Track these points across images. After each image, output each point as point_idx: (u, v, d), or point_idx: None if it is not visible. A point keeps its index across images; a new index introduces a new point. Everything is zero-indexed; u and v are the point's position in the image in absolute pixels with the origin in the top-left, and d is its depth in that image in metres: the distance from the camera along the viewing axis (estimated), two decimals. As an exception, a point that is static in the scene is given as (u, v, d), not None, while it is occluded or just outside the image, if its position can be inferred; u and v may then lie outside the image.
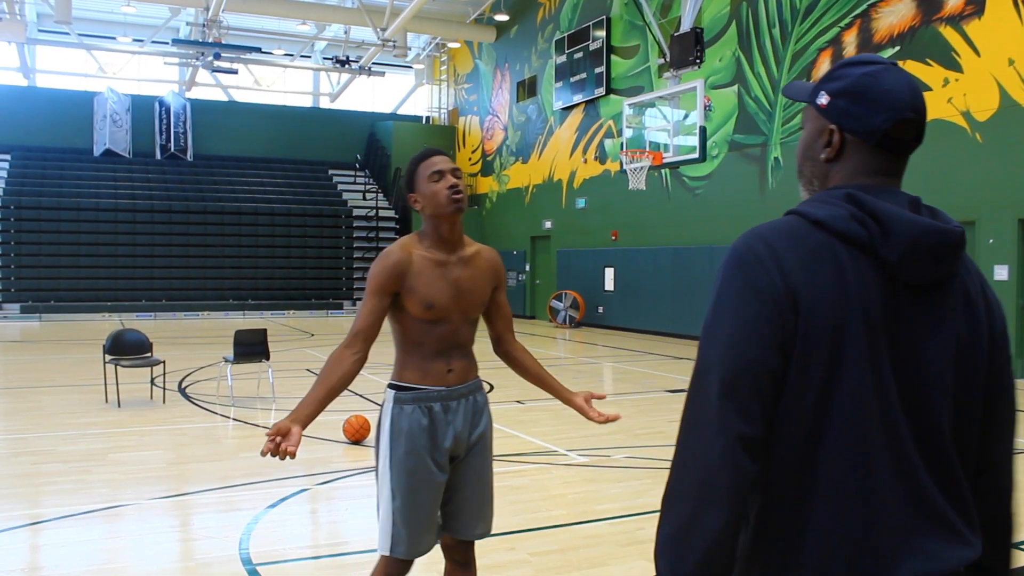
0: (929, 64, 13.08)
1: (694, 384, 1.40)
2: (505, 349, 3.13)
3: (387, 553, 2.87)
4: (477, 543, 3.11)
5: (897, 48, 13.57)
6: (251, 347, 9.55)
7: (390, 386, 2.92)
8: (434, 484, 2.86)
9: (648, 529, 4.98)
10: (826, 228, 1.39)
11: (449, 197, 2.83)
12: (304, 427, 2.53)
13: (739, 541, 1.40)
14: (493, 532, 3.11)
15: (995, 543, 1.52)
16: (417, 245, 2.90)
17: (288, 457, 2.41)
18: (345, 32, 26.69)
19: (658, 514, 1.41)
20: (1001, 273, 12.11)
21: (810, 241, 1.38)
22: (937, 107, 12.98)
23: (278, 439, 2.42)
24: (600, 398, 2.98)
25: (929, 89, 13.07)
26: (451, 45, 29.46)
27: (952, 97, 12.76)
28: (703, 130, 14.17)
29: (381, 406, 2.94)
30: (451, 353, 2.88)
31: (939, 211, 1.46)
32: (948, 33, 12.81)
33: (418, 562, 2.99)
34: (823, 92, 1.48)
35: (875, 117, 1.42)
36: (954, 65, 12.73)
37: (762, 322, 1.35)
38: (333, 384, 2.71)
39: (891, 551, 1.36)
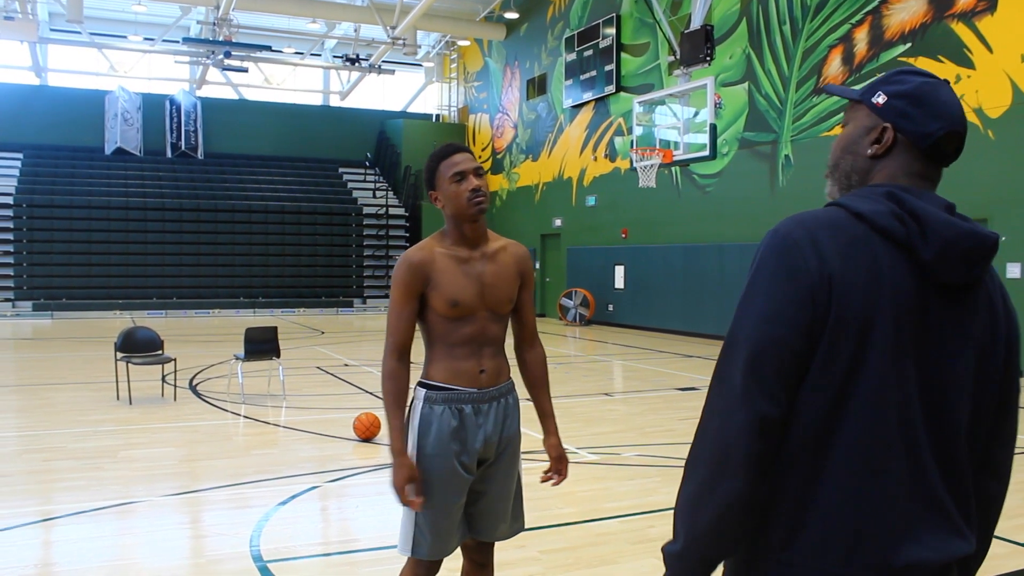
0: (941, 61, 13.01)
1: (722, 357, 1.48)
2: (518, 352, 3.08)
3: (408, 554, 2.83)
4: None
5: (909, 45, 13.51)
6: (262, 345, 9.57)
7: (420, 384, 2.87)
8: (460, 487, 2.82)
9: (658, 527, 4.98)
10: (867, 222, 1.45)
11: (471, 201, 2.77)
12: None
13: (752, 512, 1.46)
14: (511, 536, 3.08)
15: (979, 536, 1.59)
16: (439, 244, 2.85)
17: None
18: (355, 30, 26.71)
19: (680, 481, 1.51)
20: (1014, 271, 12.04)
21: (850, 232, 1.44)
22: (949, 104, 12.91)
23: (410, 493, 2.72)
24: (550, 478, 3.02)
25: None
26: (461, 43, 29.46)
27: (964, 94, 12.68)
28: (713, 128, 14.12)
29: (410, 403, 2.89)
30: (482, 353, 2.83)
31: (969, 219, 1.51)
32: (960, 30, 12.75)
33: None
34: (880, 92, 1.55)
35: (932, 123, 1.50)
36: (966, 62, 12.66)
37: (793, 304, 1.41)
38: (404, 401, 2.81)
39: (892, 536, 1.42)
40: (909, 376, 1.43)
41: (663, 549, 1.52)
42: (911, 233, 1.43)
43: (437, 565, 2.89)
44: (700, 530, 1.46)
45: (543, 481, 3.01)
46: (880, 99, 1.54)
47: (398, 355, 2.81)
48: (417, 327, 2.91)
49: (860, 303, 1.40)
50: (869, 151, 1.55)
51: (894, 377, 1.41)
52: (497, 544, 3.08)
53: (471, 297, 2.79)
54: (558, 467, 3.00)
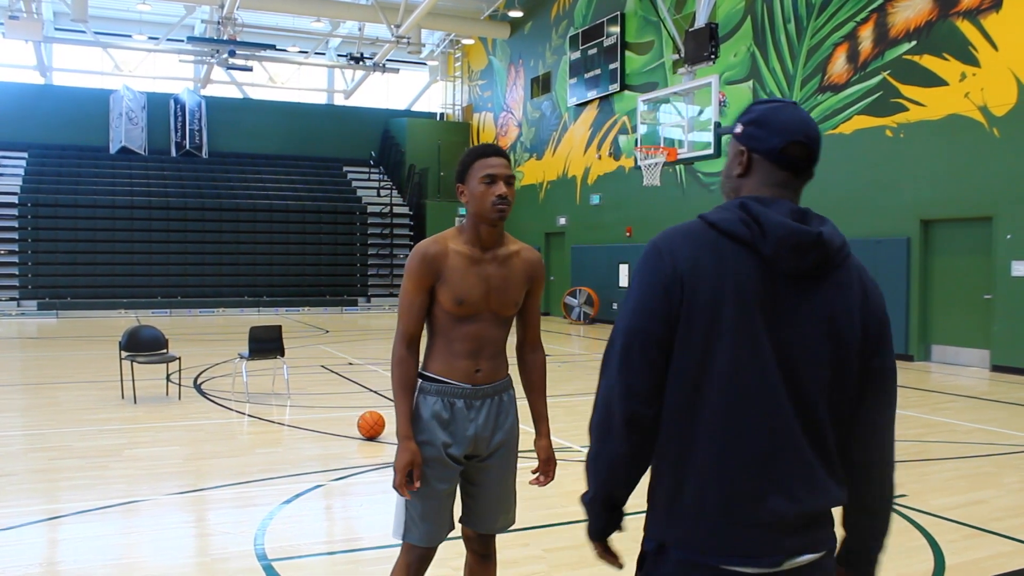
0: (946, 59, 12.98)
1: (608, 344, 1.82)
2: (519, 354, 3.13)
3: (400, 539, 2.90)
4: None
5: (914, 43, 13.48)
6: (266, 344, 9.57)
7: (419, 375, 2.92)
8: (447, 476, 2.88)
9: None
10: (717, 228, 1.76)
11: (494, 206, 2.79)
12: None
13: (637, 465, 1.82)
14: (508, 528, 3.12)
15: (863, 518, 1.88)
16: (454, 239, 2.88)
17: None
18: (359, 29, 26.72)
19: None
20: (1019, 269, 12.01)
21: (702, 238, 1.77)
22: (954, 102, 12.88)
23: (414, 473, 2.79)
24: (538, 479, 3.08)
25: (946, 84, 12.98)
26: (465, 41, 29.45)
27: (969, 92, 12.66)
28: (718, 126, 14.11)
29: None
30: (481, 353, 2.87)
31: (826, 220, 1.81)
32: (965, 27, 12.72)
33: (442, 553, 3.00)
34: (739, 123, 1.88)
35: (774, 139, 1.80)
36: (971, 59, 12.63)
37: (655, 300, 1.74)
38: (412, 388, 2.86)
39: (758, 490, 1.70)
40: (764, 351, 1.70)
41: (580, 499, 1.91)
42: (754, 234, 1.72)
43: (430, 553, 2.94)
44: (599, 481, 1.84)
45: (532, 483, 3.06)
46: (738, 129, 1.86)
47: (407, 343, 2.85)
48: None
49: (707, 293, 1.71)
50: (736, 171, 1.86)
51: (748, 352, 1.70)
52: (501, 542, 3.11)
53: (477, 297, 2.83)
54: (546, 468, 3.07)
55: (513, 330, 3.08)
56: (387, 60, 26.25)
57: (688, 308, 1.71)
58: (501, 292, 2.88)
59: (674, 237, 1.79)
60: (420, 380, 2.89)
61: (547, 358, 3.16)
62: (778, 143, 1.80)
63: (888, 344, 1.84)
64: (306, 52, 28.75)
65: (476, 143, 29.18)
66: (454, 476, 2.90)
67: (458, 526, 3.06)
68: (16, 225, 24.39)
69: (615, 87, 21.11)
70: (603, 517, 1.90)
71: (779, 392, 1.70)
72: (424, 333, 2.94)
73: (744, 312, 1.70)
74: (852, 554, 1.92)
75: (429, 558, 2.94)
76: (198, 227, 25.88)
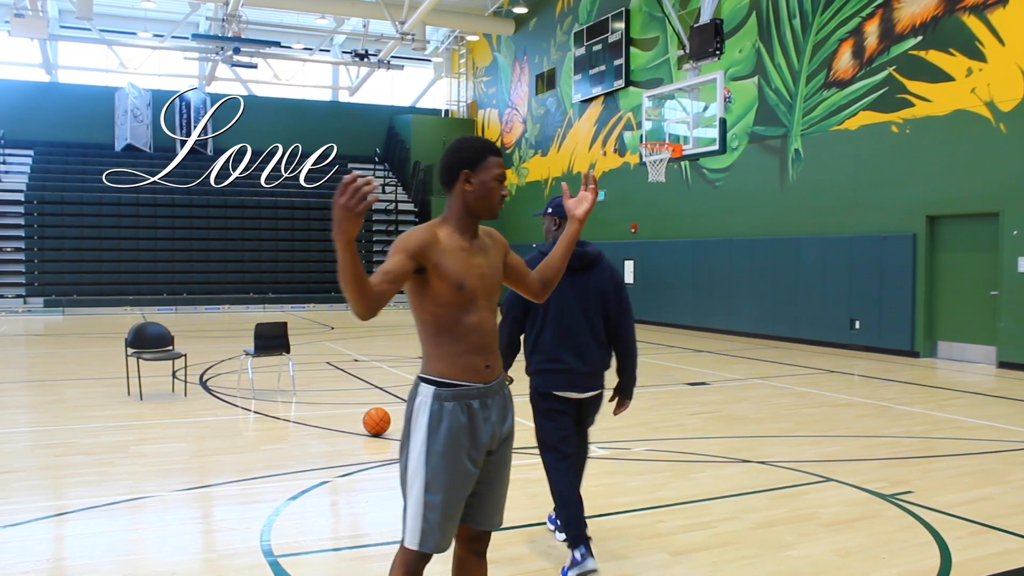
0: (952, 54, 12.94)
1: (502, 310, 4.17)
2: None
3: (416, 547, 2.81)
4: (496, 536, 3.10)
5: (920, 38, 13.43)
6: (271, 340, 9.59)
7: (427, 380, 2.83)
8: (469, 482, 2.84)
9: (668, 522, 4.97)
10: (544, 254, 3.94)
11: (499, 204, 2.93)
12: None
13: (515, 344, 4.41)
14: (514, 524, 3.11)
15: (624, 373, 4.41)
16: (440, 228, 2.88)
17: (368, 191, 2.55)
18: (364, 26, 26.71)
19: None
20: (1025, 265, 11.98)
21: (538, 258, 4.01)
22: (960, 97, 12.84)
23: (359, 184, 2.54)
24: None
25: (952, 79, 12.94)
26: (470, 38, 29.43)
27: (976, 87, 12.62)
28: (723, 122, 14.07)
29: (413, 399, 2.86)
30: (488, 347, 2.86)
31: (590, 243, 4.28)
32: (972, 22, 12.67)
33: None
34: (549, 207, 4.34)
35: (561, 210, 4.20)
36: (977, 55, 12.59)
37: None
38: (364, 279, 2.62)
39: (565, 361, 4.21)
40: (571, 302, 4.20)
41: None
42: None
43: (429, 558, 2.90)
44: (502, 347, 4.24)
45: None
46: (549, 211, 4.32)
47: (379, 279, 2.64)
48: (415, 324, 2.89)
49: None
50: (553, 229, 4.34)
51: (565, 305, 4.19)
52: (507, 539, 3.10)
53: (474, 282, 2.82)
54: None
55: None
56: (391, 57, 26.23)
57: None
58: (491, 278, 2.90)
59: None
60: (432, 387, 2.81)
61: None
62: (557, 211, 4.26)
63: (623, 294, 4.34)
64: (311, 49, 28.75)
65: (481, 140, 29.23)
66: (473, 481, 2.86)
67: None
68: (22, 223, 24.45)
69: (620, 83, 21.08)
70: (506, 355, 4.30)
71: (578, 318, 4.19)
72: (418, 337, 2.88)
73: (560, 288, 4.03)
74: (622, 388, 4.41)
75: (428, 560, 2.91)
76: (203, 224, 25.92)
